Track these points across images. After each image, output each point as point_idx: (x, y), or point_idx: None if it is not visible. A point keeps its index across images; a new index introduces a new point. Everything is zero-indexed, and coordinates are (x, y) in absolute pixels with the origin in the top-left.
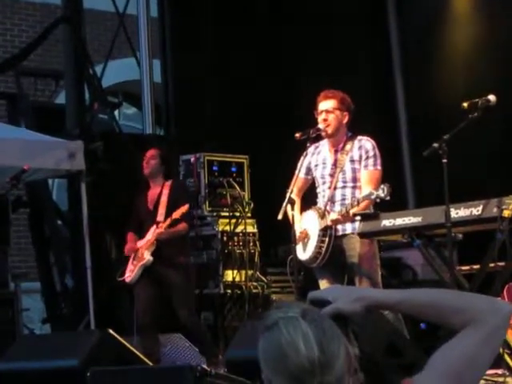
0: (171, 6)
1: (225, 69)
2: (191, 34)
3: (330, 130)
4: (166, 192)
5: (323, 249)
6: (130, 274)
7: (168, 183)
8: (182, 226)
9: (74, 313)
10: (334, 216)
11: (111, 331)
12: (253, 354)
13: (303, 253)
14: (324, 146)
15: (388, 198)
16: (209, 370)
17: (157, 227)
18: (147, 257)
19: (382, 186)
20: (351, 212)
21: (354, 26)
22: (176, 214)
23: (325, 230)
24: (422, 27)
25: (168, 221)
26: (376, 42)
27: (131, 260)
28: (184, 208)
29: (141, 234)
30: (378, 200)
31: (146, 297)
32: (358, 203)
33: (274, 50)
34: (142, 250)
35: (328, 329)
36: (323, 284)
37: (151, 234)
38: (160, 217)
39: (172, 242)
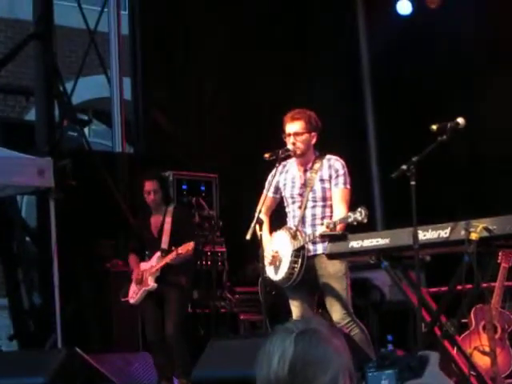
0: (142, 24)
1: (194, 87)
2: (161, 52)
3: (298, 152)
4: (168, 220)
5: (296, 269)
6: (134, 296)
7: (170, 209)
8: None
9: (41, 330)
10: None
11: (78, 349)
12: (219, 374)
13: (275, 274)
14: (292, 164)
15: (365, 220)
16: None
17: (161, 255)
18: (151, 283)
19: (359, 209)
20: (319, 234)
21: (325, 41)
22: (182, 250)
23: (298, 251)
24: (393, 40)
25: (174, 254)
26: (346, 56)
27: (134, 282)
28: (190, 245)
29: (142, 257)
30: (355, 223)
31: (154, 318)
32: (335, 226)
33: (245, 70)
34: (146, 275)
35: (314, 354)
36: (294, 304)
37: (155, 260)
38: (164, 244)
39: (176, 265)
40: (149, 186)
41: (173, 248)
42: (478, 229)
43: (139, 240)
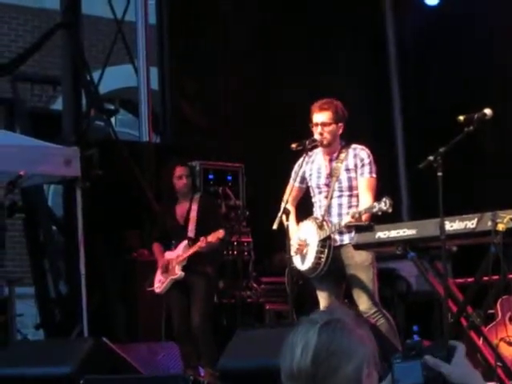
0: (169, 14)
1: (221, 77)
2: (189, 41)
3: (325, 142)
4: (194, 208)
5: (323, 259)
6: (160, 285)
7: (196, 197)
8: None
9: (68, 319)
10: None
11: (105, 339)
12: (245, 364)
13: (302, 264)
14: (318, 154)
15: (390, 210)
16: (201, 379)
17: (188, 243)
18: (179, 272)
19: (383, 199)
20: (344, 224)
21: (351, 32)
22: (212, 238)
23: (324, 241)
24: (420, 31)
25: (203, 242)
26: (373, 49)
27: (160, 271)
28: (220, 233)
29: (166, 246)
30: (379, 213)
31: (180, 307)
32: (360, 215)
33: (270, 60)
34: (172, 264)
35: (338, 344)
36: (322, 295)
37: (182, 249)
38: (191, 233)
39: (203, 254)
40: (180, 170)
41: (200, 237)
42: (504, 220)
43: (163, 228)
